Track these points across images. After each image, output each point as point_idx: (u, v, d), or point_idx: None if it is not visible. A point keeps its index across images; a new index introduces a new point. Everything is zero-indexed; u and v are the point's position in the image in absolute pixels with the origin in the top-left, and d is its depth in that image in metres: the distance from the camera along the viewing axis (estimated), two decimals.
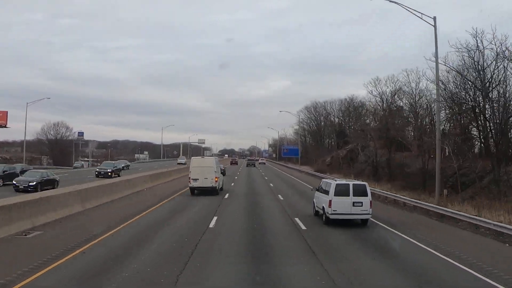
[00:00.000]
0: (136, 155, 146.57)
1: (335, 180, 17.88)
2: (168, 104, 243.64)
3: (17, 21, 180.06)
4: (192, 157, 33.28)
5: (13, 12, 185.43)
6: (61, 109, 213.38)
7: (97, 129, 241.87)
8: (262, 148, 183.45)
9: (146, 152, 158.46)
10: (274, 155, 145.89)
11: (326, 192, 17.04)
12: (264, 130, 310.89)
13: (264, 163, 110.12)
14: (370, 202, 16.62)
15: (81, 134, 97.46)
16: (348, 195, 16.30)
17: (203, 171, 27.25)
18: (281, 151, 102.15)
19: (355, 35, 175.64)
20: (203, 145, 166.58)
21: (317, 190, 19.10)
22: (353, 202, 16.25)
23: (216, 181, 27.42)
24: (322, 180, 20.68)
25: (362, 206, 16.33)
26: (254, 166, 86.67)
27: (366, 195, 16.47)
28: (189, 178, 27.45)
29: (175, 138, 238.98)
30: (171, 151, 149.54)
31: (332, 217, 16.40)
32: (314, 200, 19.42)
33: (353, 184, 16.84)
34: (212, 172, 27.45)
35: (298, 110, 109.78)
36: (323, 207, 17.27)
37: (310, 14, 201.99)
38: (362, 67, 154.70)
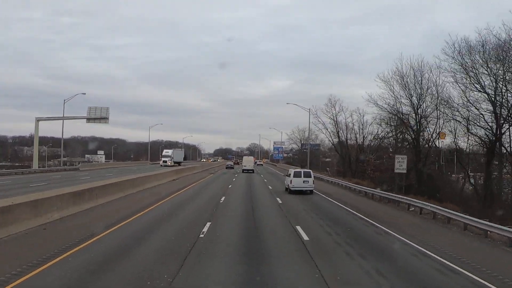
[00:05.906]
0: (87, 155, 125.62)
1: (294, 169, 32.07)
2: (167, 102, 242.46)
3: (16, 19, 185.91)
4: (244, 157, 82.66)
5: (12, 10, 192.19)
6: (60, 108, 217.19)
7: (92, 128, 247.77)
8: (266, 147, 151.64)
9: (101, 152, 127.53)
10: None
11: (290, 175, 31.10)
12: (264, 130, 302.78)
13: (262, 165, 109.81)
14: (313, 180, 30.74)
15: None
16: (301, 176, 30.32)
17: (248, 163, 69.13)
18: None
19: (358, 33, 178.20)
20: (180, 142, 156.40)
21: (286, 175, 33.18)
22: (303, 180, 30.27)
23: (253, 167, 69.82)
24: (289, 169, 34.89)
25: (308, 182, 30.37)
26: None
27: (310, 176, 30.55)
28: (242, 165, 70.22)
29: (170, 137, 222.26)
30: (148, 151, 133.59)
31: (292, 189, 30.35)
32: (285, 181, 33.47)
33: (303, 171, 31.00)
34: (252, 163, 71.86)
35: None
36: (288, 184, 31.29)
37: (311, 13, 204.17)
38: (363, 67, 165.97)
